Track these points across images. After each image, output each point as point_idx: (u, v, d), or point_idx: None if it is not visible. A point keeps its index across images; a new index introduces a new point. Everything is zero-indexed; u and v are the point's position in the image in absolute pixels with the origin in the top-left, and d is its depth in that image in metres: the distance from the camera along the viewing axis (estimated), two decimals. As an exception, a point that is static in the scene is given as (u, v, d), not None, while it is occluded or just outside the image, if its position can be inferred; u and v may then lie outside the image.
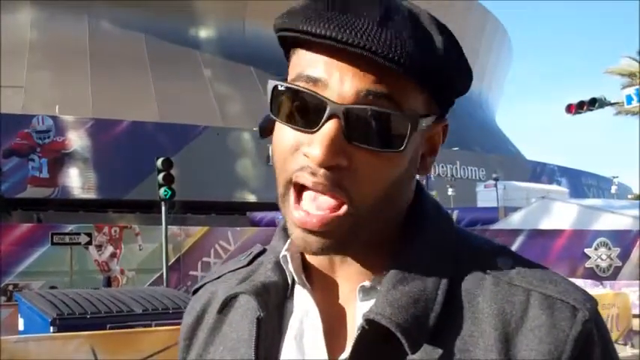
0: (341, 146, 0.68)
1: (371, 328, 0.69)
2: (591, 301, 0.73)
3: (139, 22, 44.79)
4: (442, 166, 44.75)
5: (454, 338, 0.70)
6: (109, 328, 6.75)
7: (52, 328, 6.72)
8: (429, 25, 0.73)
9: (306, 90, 0.70)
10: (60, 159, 33.59)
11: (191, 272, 14.55)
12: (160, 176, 13.29)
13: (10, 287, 12.70)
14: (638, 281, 13.51)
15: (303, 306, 0.78)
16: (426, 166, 0.77)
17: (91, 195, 34.26)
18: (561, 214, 21.23)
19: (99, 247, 14.07)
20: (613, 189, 52.51)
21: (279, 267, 0.80)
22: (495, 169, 43.05)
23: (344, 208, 0.70)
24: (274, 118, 0.73)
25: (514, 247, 15.47)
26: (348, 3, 0.70)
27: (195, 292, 0.92)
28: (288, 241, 0.80)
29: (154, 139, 33.39)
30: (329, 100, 0.68)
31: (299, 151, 0.71)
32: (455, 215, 22.43)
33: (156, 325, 6.94)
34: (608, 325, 9.78)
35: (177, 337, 0.91)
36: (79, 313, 6.93)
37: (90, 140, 34.47)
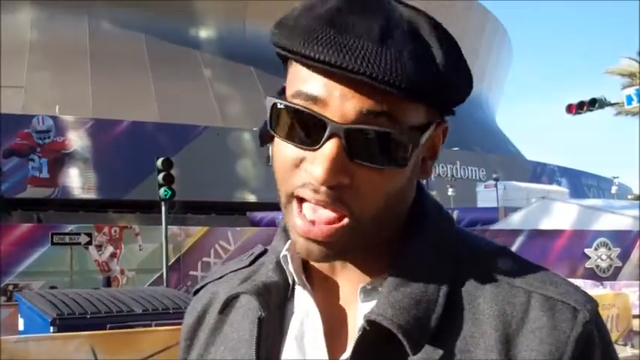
0: (342, 165, 0.68)
1: (372, 329, 0.69)
2: (592, 303, 0.73)
3: (139, 22, 44.78)
4: (442, 167, 44.77)
5: (455, 339, 0.70)
6: (109, 328, 6.75)
7: (52, 328, 6.72)
8: (428, 36, 0.71)
9: (305, 109, 0.69)
10: (60, 159, 33.60)
11: (191, 272, 14.55)
12: (160, 176, 13.29)
13: (10, 287, 12.70)
14: (638, 281, 13.51)
15: (304, 306, 0.78)
16: (426, 170, 0.77)
17: (91, 195, 34.26)
18: (561, 215, 21.23)
19: (99, 247, 14.07)
20: (613, 189, 52.52)
21: (280, 267, 0.80)
22: (495, 169, 43.06)
23: (345, 220, 0.70)
24: (274, 134, 0.73)
25: (514, 248, 15.47)
26: (347, 20, 0.69)
27: (196, 292, 0.92)
28: (289, 241, 0.80)
29: (154, 139, 33.39)
30: (329, 119, 0.68)
31: (300, 166, 0.71)
32: (455, 215, 22.41)
33: (156, 325, 6.94)
34: (608, 326, 9.78)
35: (178, 337, 0.91)
36: (79, 313, 6.93)
37: (90, 140, 34.47)
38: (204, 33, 48.11)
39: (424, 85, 0.68)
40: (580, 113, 17.96)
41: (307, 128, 0.70)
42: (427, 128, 0.72)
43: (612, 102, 18.41)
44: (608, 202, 27.47)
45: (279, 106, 0.72)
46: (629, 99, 17.43)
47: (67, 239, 13.76)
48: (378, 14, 0.69)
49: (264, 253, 0.87)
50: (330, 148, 0.68)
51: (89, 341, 6.14)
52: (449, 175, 44.51)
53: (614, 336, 9.59)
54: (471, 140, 49.46)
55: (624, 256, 17.15)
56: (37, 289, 11.90)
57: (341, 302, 0.77)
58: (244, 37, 47.70)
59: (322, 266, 0.79)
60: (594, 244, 17.23)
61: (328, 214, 0.70)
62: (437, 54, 0.71)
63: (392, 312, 0.69)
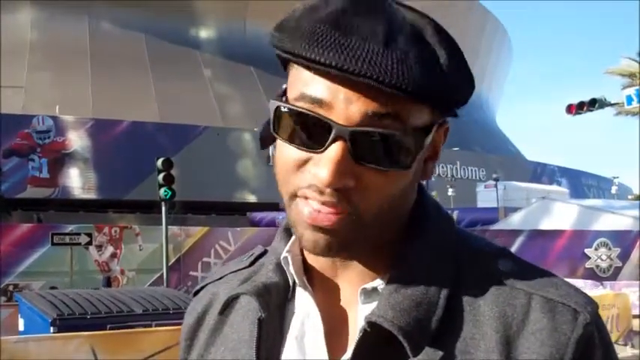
0: (347, 167, 0.68)
1: (373, 330, 0.69)
2: (592, 304, 0.73)
3: (139, 22, 44.79)
4: (442, 167, 44.79)
5: (455, 341, 0.70)
6: (109, 329, 6.75)
7: (52, 328, 6.73)
8: (431, 39, 0.71)
9: (310, 112, 0.69)
10: (60, 159, 33.62)
11: (191, 272, 14.56)
12: (160, 176, 13.29)
13: (11, 287, 12.71)
14: (638, 282, 13.50)
15: (305, 307, 0.78)
16: (427, 171, 0.77)
17: (92, 195, 34.27)
18: (561, 215, 21.23)
19: (99, 247, 14.08)
20: (613, 189, 52.54)
21: (280, 268, 0.80)
22: (495, 169, 43.09)
23: (349, 213, 0.70)
24: (277, 137, 0.73)
25: (514, 248, 15.48)
26: (351, 22, 0.68)
27: (196, 293, 0.92)
28: (290, 242, 0.81)
29: (154, 140, 33.41)
30: (334, 122, 0.68)
31: (304, 168, 0.71)
32: (455, 215, 22.42)
33: (156, 326, 6.94)
34: (609, 326, 9.79)
35: (178, 337, 0.91)
36: (79, 314, 6.93)
37: (90, 140, 34.49)
38: (204, 33, 48.12)
39: (429, 87, 0.68)
40: (580, 113, 17.96)
41: (311, 131, 0.69)
42: (430, 129, 0.72)
43: (612, 102, 18.41)
44: (608, 203, 27.47)
45: (282, 109, 0.72)
46: (629, 99, 17.43)
47: (67, 239, 13.76)
48: (382, 17, 0.69)
49: (264, 253, 0.87)
50: (335, 150, 0.68)
51: (89, 341, 6.15)
52: (449, 176, 44.53)
53: (614, 336, 9.59)
54: (471, 140, 49.48)
55: (624, 257, 17.15)
56: (37, 289, 11.91)
57: (341, 303, 0.77)
58: (244, 37, 47.70)
59: (323, 267, 0.78)
60: (594, 245, 17.23)
61: (333, 210, 0.70)
62: (441, 56, 0.71)
63: (392, 314, 0.69)
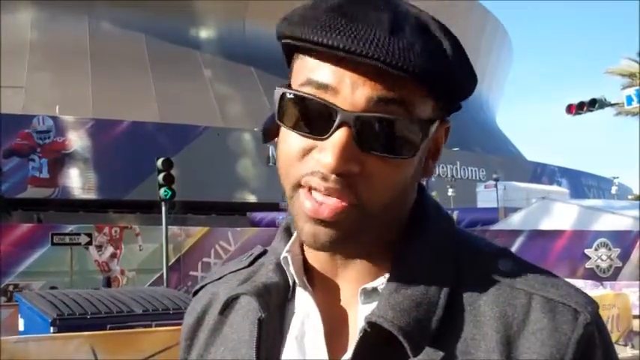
0: (352, 153, 0.68)
1: (373, 330, 0.69)
2: (592, 305, 0.73)
3: (139, 22, 44.80)
4: (442, 167, 44.78)
5: (456, 341, 0.70)
6: (109, 329, 6.75)
7: (52, 328, 6.73)
8: (436, 32, 0.72)
9: (316, 98, 0.69)
10: (60, 159, 33.62)
11: (191, 272, 14.56)
12: (161, 176, 13.29)
13: (11, 287, 12.71)
14: (638, 282, 13.50)
15: (305, 308, 0.78)
16: (428, 170, 0.77)
17: (92, 195, 34.28)
18: (561, 215, 21.23)
19: (99, 247, 14.08)
20: (613, 189, 52.51)
21: (280, 268, 0.80)
22: (495, 169, 43.11)
23: (354, 203, 0.69)
24: (281, 125, 0.73)
25: (514, 248, 15.48)
26: (357, 11, 0.69)
27: (195, 293, 0.92)
28: (290, 242, 0.81)
29: (155, 140, 33.41)
30: (340, 108, 0.68)
31: (308, 156, 0.70)
32: (455, 216, 22.42)
33: (156, 326, 6.94)
34: (609, 326, 9.78)
35: (178, 337, 0.91)
36: (79, 314, 6.93)
37: (90, 140, 34.49)
38: (204, 33, 48.12)
39: (435, 73, 0.69)
40: (580, 113, 17.96)
41: (316, 117, 0.70)
42: (433, 123, 0.73)
43: (612, 102, 18.41)
44: (608, 203, 27.47)
45: (288, 95, 0.72)
46: (629, 99, 17.43)
47: (67, 239, 13.77)
48: (387, 8, 0.70)
49: (263, 253, 0.87)
50: (339, 136, 0.68)
51: (89, 341, 6.14)
52: (449, 176, 44.52)
53: (614, 336, 9.59)
54: (471, 141, 49.49)
55: (624, 257, 17.15)
56: (37, 289, 11.91)
57: (342, 303, 0.77)
58: (244, 37, 47.71)
59: (323, 267, 0.78)
60: (594, 245, 17.23)
61: (337, 201, 0.69)
62: (446, 46, 0.72)
63: (393, 314, 0.69)
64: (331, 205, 0.69)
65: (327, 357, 0.74)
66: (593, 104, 17.73)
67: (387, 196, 0.70)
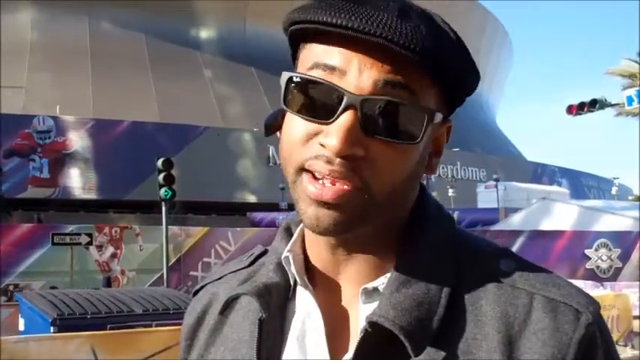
0: (358, 137, 0.68)
1: (374, 330, 0.69)
2: (594, 305, 0.73)
3: (139, 22, 44.82)
4: (443, 167, 44.83)
5: (457, 341, 0.70)
6: (110, 329, 6.74)
7: (52, 328, 6.72)
8: (441, 23, 0.73)
9: (323, 81, 0.70)
10: (61, 159, 33.65)
11: (191, 272, 14.55)
12: (161, 177, 13.28)
13: (11, 287, 12.70)
14: (638, 282, 13.49)
15: (306, 307, 0.78)
16: (432, 167, 0.78)
17: (92, 195, 34.31)
18: (562, 215, 21.23)
19: (99, 247, 14.07)
20: (613, 190, 52.51)
21: (281, 268, 0.80)
22: (496, 169, 43.12)
23: (358, 186, 0.69)
24: (287, 110, 0.73)
25: (514, 248, 15.46)
26: None
27: (195, 293, 0.92)
28: (291, 242, 0.81)
29: (155, 140, 33.44)
30: (346, 90, 0.68)
31: (312, 141, 0.70)
32: (455, 216, 22.39)
33: (156, 326, 6.93)
34: (609, 327, 9.75)
35: (178, 337, 0.91)
36: (79, 314, 6.93)
37: (90, 140, 34.52)
38: (204, 33, 48.15)
39: (441, 57, 0.70)
40: (580, 114, 17.95)
41: (323, 101, 0.70)
42: (439, 112, 0.73)
43: (613, 103, 18.39)
44: (608, 203, 27.47)
45: (295, 79, 0.72)
46: (630, 100, 17.42)
47: (67, 239, 13.76)
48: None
49: (264, 253, 0.87)
50: (345, 119, 0.68)
51: (89, 341, 6.14)
52: (449, 176, 44.54)
53: (614, 337, 9.55)
54: (472, 141, 49.50)
55: (624, 257, 17.14)
56: (37, 289, 11.90)
57: (343, 303, 0.77)
58: (245, 37, 47.74)
59: (324, 266, 0.78)
60: (594, 245, 17.22)
61: (341, 184, 0.69)
62: (452, 35, 0.73)
63: (394, 313, 0.69)
64: (335, 187, 0.69)
65: (328, 357, 0.74)
66: (594, 105, 17.72)
67: (390, 181, 0.70)
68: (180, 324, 0.94)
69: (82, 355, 6.02)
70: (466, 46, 0.75)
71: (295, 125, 0.72)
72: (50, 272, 13.19)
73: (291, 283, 0.80)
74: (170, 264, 13.81)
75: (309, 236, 0.79)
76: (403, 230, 0.76)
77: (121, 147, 33.68)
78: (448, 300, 0.72)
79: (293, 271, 0.78)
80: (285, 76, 0.73)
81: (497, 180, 36.64)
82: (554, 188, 43.18)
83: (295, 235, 0.81)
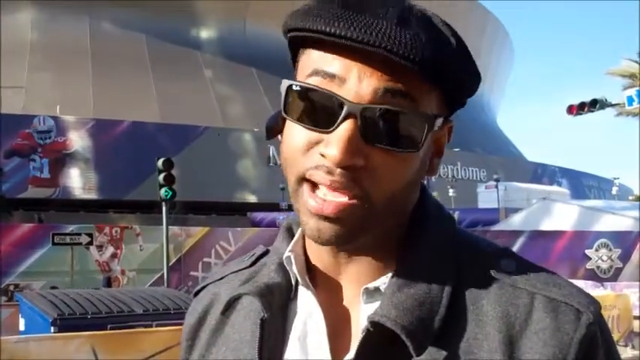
0: (358, 146, 0.68)
1: (376, 330, 0.69)
2: (595, 304, 0.73)
3: (139, 22, 44.83)
4: (443, 167, 44.84)
5: (458, 340, 0.70)
6: (110, 329, 6.74)
7: (52, 328, 6.72)
8: (441, 26, 0.73)
9: (322, 89, 0.70)
10: (61, 159, 33.67)
11: (192, 273, 14.56)
12: (161, 177, 13.28)
13: (11, 287, 12.70)
14: (638, 282, 13.48)
15: (307, 307, 0.78)
16: (433, 168, 0.78)
17: (92, 195, 34.32)
18: (562, 215, 21.23)
19: (100, 247, 14.07)
20: (614, 190, 52.52)
21: (282, 268, 0.80)
22: (496, 170, 43.11)
23: (359, 199, 0.70)
24: (287, 117, 0.73)
25: (515, 248, 15.44)
26: (363, 4, 0.69)
27: (196, 293, 0.92)
28: (292, 242, 0.81)
29: (155, 140, 33.45)
30: (346, 99, 0.68)
31: (312, 150, 0.70)
32: (456, 216, 22.37)
33: (157, 326, 6.93)
34: (609, 327, 9.75)
35: (179, 337, 0.91)
36: (79, 314, 6.93)
37: (91, 140, 34.53)
38: (204, 33, 48.16)
39: (440, 63, 0.69)
40: (581, 114, 17.93)
41: (323, 109, 0.70)
42: (438, 118, 0.73)
43: (613, 103, 18.38)
44: (608, 203, 27.46)
45: (294, 87, 0.72)
46: (630, 100, 17.41)
47: (67, 239, 13.76)
48: (392, 3, 0.71)
49: (265, 253, 0.87)
50: (345, 128, 0.68)
51: (90, 341, 6.14)
52: (450, 176, 44.55)
53: (614, 337, 9.55)
54: (472, 141, 49.50)
55: (625, 257, 17.14)
56: (37, 289, 11.90)
57: (344, 303, 0.77)
58: (245, 37, 47.74)
59: (326, 266, 0.78)
60: (595, 245, 17.22)
61: (342, 197, 0.69)
62: (452, 41, 0.73)
63: (395, 313, 0.69)
64: (335, 202, 0.69)
65: (329, 357, 0.74)
66: (594, 105, 17.71)
67: (391, 189, 0.70)
68: (180, 324, 0.94)
69: (82, 355, 6.02)
70: (467, 47, 0.75)
71: (295, 133, 0.72)
72: (50, 272, 13.19)
73: (293, 283, 0.80)
74: (170, 264, 13.81)
75: None
76: (404, 230, 0.77)
77: (122, 147, 33.69)
78: (449, 300, 0.72)
79: (295, 271, 0.78)
80: (285, 84, 0.73)
81: (497, 180, 36.64)
82: (555, 188, 43.19)
83: (297, 236, 0.82)
